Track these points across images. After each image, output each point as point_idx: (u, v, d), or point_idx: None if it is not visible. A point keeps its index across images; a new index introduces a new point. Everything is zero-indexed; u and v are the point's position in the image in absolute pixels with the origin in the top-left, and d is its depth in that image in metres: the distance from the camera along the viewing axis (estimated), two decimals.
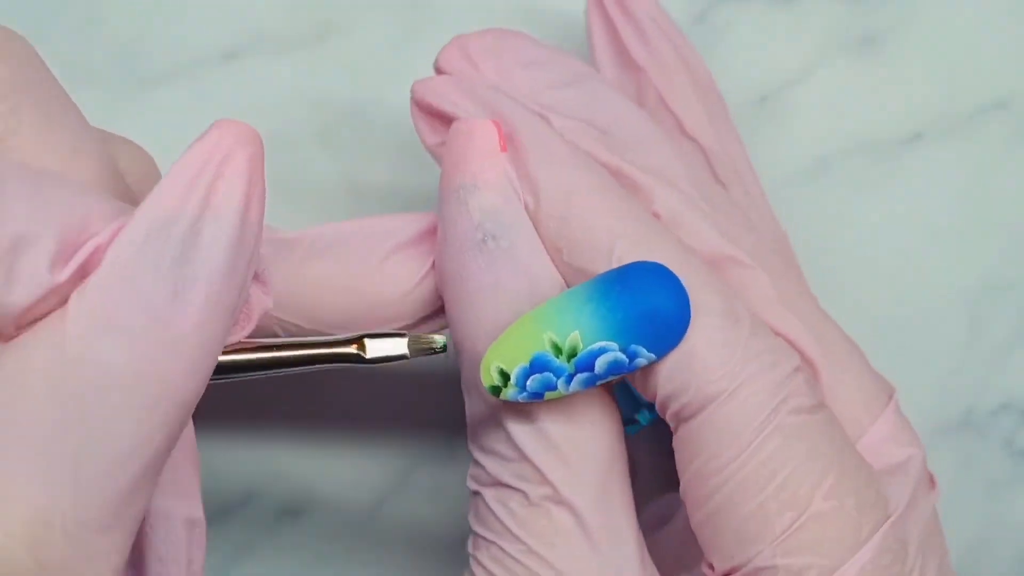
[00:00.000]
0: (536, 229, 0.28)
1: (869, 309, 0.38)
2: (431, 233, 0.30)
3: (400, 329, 0.30)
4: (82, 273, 0.23)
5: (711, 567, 0.28)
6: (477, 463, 0.29)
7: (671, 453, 0.28)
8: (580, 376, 0.27)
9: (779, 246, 0.33)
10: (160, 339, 0.23)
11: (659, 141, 0.30)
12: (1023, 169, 0.38)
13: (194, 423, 0.27)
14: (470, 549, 0.29)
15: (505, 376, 0.27)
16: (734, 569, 0.27)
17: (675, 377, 0.27)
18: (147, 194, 0.24)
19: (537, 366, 0.26)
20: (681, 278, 0.27)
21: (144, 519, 0.26)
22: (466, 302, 0.28)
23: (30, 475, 0.22)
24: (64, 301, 0.23)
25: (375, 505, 0.39)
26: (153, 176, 0.28)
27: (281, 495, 0.39)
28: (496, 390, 0.27)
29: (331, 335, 0.28)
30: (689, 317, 0.27)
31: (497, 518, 0.28)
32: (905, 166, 0.38)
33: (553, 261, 0.28)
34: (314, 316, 0.30)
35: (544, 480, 0.27)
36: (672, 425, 0.28)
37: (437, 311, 0.30)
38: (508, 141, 0.29)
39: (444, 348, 0.27)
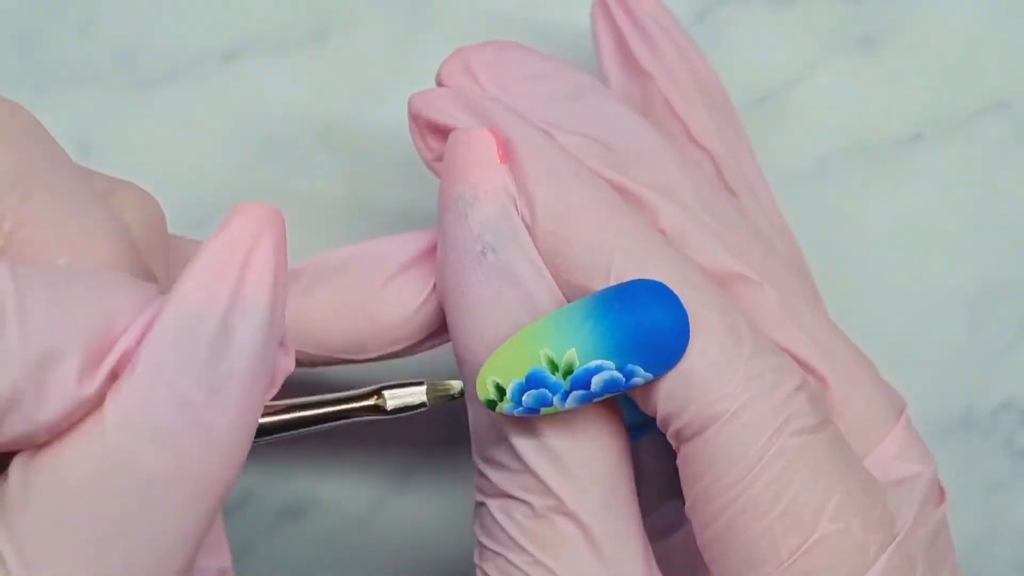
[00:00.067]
0: (535, 243, 0.28)
1: (869, 309, 0.38)
2: (431, 252, 0.30)
3: (406, 348, 0.30)
4: (112, 377, 0.23)
5: None
6: (482, 474, 0.29)
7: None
8: (576, 393, 0.26)
9: (790, 253, 0.33)
10: (199, 438, 0.23)
11: (664, 154, 0.30)
12: (1023, 169, 0.38)
13: None
14: (476, 560, 0.29)
15: (501, 391, 0.27)
16: None
17: (674, 397, 0.27)
18: (154, 242, 0.24)
19: (533, 382, 0.26)
20: (681, 296, 0.26)
21: None
22: (466, 314, 0.28)
23: None
24: (95, 405, 0.23)
25: (375, 505, 0.39)
26: (159, 221, 0.28)
27: (281, 495, 0.39)
28: (492, 404, 0.27)
29: (349, 390, 0.28)
30: (688, 336, 0.26)
31: (503, 529, 0.28)
32: (905, 166, 0.38)
33: (552, 275, 0.28)
34: (321, 343, 0.30)
35: (549, 492, 0.27)
36: (673, 443, 0.28)
37: (441, 329, 0.30)
38: (506, 154, 0.29)
39: (462, 394, 0.27)
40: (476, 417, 0.29)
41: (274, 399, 0.27)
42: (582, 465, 0.27)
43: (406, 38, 0.38)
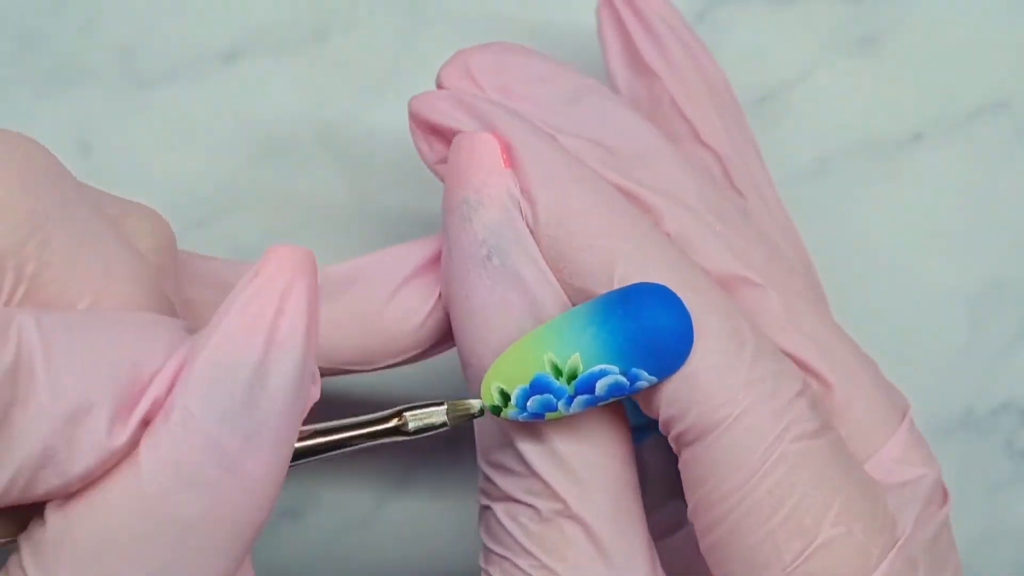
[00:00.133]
0: (538, 247, 0.28)
1: (869, 309, 0.38)
2: (435, 261, 0.30)
3: (414, 357, 0.30)
4: (143, 424, 0.23)
5: None
6: (487, 478, 0.29)
7: None
8: (580, 398, 0.26)
9: (796, 254, 0.33)
10: (234, 485, 0.23)
11: (668, 157, 0.30)
12: (1023, 169, 0.38)
13: None
14: (481, 563, 0.29)
15: (505, 396, 0.27)
16: None
17: (677, 401, 0.27)
18: (166, 266, 0.24)
19: (537, 387, 0.26)
20: (684, 300, 0.26)
21: None
22: (471, 319, 0.28)
23: None
24: (126, 453, 0.23)
25: (375, 506, 0.39)
26: (171, 243, 0.28)
27: (281, 495, 0.38)
28: (497, 410, 0.27)
29: (369, 414, 0.28)
30: (692, 340, 0.26)
31: (508, 533, 0.28)
32: (905, 166, 0.38)
33: (557, 279, 0.28)
34: (331, 357, 0.30)
35: (555, 496, 0.27)
36: (675, 447, 0.28)
37: (449, 335, 0.30)
38: (510, 158, 0.28)
39: (482, 412, 0.27)
40: (481, 421, 0.29)
41: None
42: (588, 469, 0.27)
43: (406, 38, 0.38)
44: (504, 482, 0.28)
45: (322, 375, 0.30)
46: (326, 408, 0.38)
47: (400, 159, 0.38)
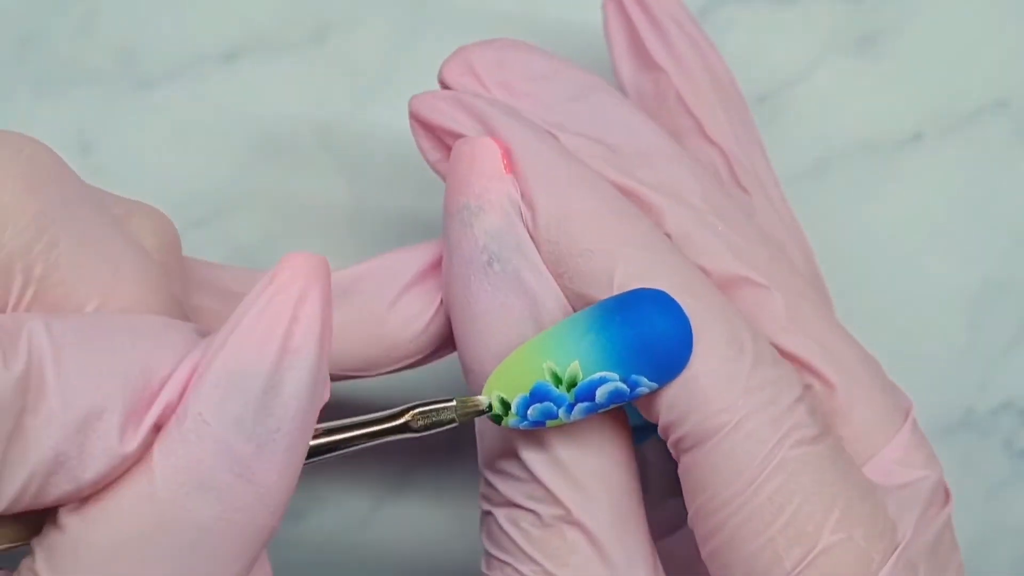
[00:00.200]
0: (539, 252, 0.28)
1: (869, 309, 0.38)
2: (436, 267, 0.30)
3: (416, 362, 0.30)
4: (155, 430, 0.23)
5: None
6: (488, 483, 0.29)
7: None
8: (581, 405, 0.26)
9: (801, 253, 0.33)
10: (248, 491, 0.23)
11: (671, 155, 0.30)
12: (1023, 169, 0.38)
13: None
14: (483, 569, 0.29)
15: (506, 405, 0.27)
16: None
17: (676, 407, 0.27)
18: (172, 266, 0.24)
19: (538, 395, 0.26)
20: (684, 305, 0.26)
21: None
22: (472, 324, 0.28)
23: None
24: (138, 458, 0.23)
25: (374, 506, 0.39)
26: (175, 242, 0.28)
27: None
28: (498, 419, 0.27)
29: (376, 413, 0.28)
30: (691, 347, 0.26)
31: (510, 538, 0.28)
32: (905, 166, 0.38)
33: (557, 284, 0.28)
34: (334, 363, 0.30)
35: (556, 501, 0.27)
36: (674, 452, 0.28)
37: (451, 340, 0.30)
38: (511, 163, 0.28)
39: (491, 408, 0.27)
40: (482, 427, 0.29)
41: None
42: (589, 475, 0.27)
43: (406, 38, 0.38)
44: (506, 487, 0.28)
45: None
46: (332, 408, 0.38)
47: (400, 159, 0.38)
